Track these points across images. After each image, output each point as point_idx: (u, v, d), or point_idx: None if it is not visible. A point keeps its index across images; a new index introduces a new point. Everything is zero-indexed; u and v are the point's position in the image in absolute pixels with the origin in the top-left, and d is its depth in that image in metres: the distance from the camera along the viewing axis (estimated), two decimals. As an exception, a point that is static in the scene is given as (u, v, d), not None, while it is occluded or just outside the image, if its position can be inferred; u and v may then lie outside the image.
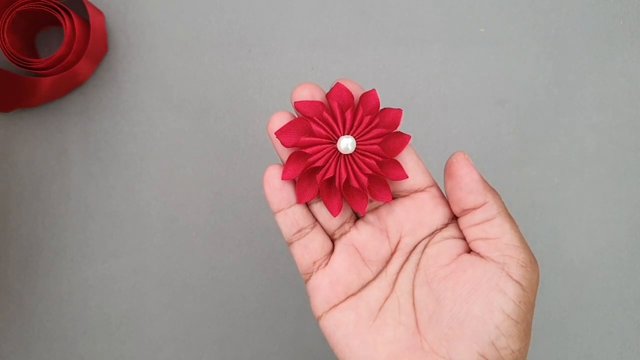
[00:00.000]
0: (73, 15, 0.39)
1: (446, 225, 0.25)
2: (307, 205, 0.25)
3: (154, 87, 0.42)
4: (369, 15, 0.42)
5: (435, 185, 0.25)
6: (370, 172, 0.24)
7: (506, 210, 0.24)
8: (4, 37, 0.39)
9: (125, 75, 0.42)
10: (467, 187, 0.23)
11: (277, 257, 0.41)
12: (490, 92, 0.42)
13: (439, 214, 0.25)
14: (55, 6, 0.39)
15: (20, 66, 0.39)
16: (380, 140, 0.24)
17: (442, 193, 0.25)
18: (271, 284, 0.41)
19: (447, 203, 0.25)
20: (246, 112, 0.42)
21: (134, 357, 0.41)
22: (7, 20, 0.39)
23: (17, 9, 0.38)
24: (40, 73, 0.39)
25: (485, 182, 0.24)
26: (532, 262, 0.23)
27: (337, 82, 0.24)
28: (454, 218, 0.25)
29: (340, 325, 0.24)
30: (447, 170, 0.24)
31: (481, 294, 0.22)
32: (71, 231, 0.41)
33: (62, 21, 0.39)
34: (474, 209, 0.23)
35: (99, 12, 0.41)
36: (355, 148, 0.24)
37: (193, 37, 0.42)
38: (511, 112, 0.42)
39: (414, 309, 0.24)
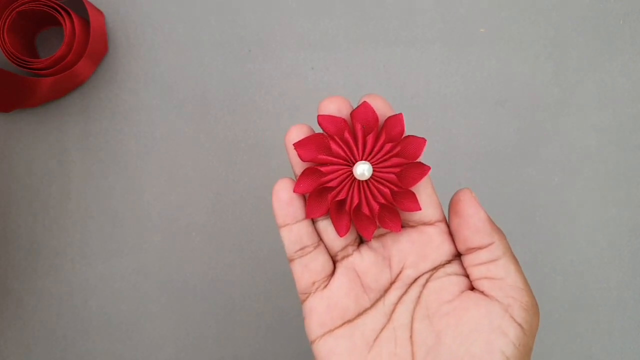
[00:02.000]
0: (73, 15, 0.39)
1: (450, 261, 0.24)
2: (313, 222, 0.25)
3: (154, 87, 0.42)
4: (369, 15, 0.42)
5: (444, 220, 0.25)
6: (383, 201, 0.24)
7: (511, 251, 0.24)
8: (4, 37, 0.39)
9: (125, 75, 0.42)
10: (475, 226, 0.23)
11: (277, 257, 0.41)
12: (490, 92, 0.42)
13: (444, 250, 0.24)
14: (55, 6, 0.39)
15: (20, 66, 0.39)
16: (398, 170, 0.23)
17: (449, 229, 0.25)
18: (271, 283, 0.41)
19: (453, 239, 0.24)
20: (246, 112, 0.42)
21: (134, 357, 0.41)
22: (7, 20, 0.39)
23: (17, 9, 0.38)
24: (40, 73, 0.39)
25: (492, 222, 0.23)
26: (534, 306, 0.23)
27: (364, 101, 0.23)
28: (458, 255, 0.25)
29: (334, 353, 0.24)
30: (453, 208, 0.24)
31: (482, 334, 0.22)
32: (71, 231, 0.41)
33: (62, 21, 0.39)
34: (480, 248, 0.23)
35: (99, 12, 0.41)
36: (372, 175, 0.24)
37: (193, 37, 0.42)
38: (511, 112, 0.42)
39: (411, 343, 0.24)
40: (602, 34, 0.42)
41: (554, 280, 0.41)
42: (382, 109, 0.24)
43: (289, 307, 0.41)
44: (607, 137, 0.42)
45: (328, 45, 0.42)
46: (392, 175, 0.23)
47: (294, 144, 0.23)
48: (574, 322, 0.41)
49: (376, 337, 0.24)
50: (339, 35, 0.42)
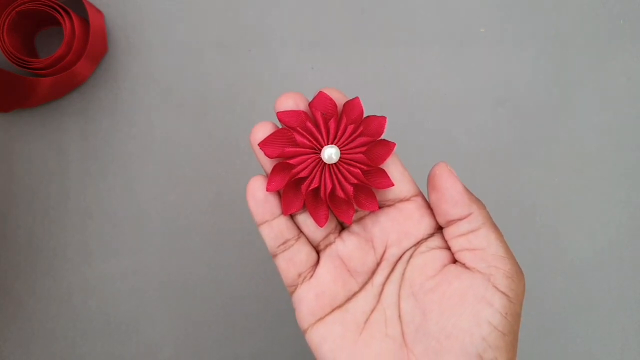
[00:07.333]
0: (73, 15, 0.39)
1: (432, 235, 0.24)
2: (292, 216, 0.25)
3: (154, 87, 0.42)
4: (369, 15, 0.42)
5: (420, 194, 0.25)
6: (355, 181, 0.24)
7: (491, 220, 0.24)
8: (3, 37, 0.39)
9: (125, 75, 0.42)
10: (452, 199, 0.23)
11: (277, 257, 0.41)
12: (490, 92, 0.42)
13: (425, 224, 0.24)
14: (55, 6, 0.39)
15: (20, 66, 0.39)
16: (364, 148, 0.24)
17: (427, 202, 0.25)
18: (271, 284, 0.41)
19: (433, 213, 0.24)
20: (246, 112, 0.41)
21: (134, 357, 0.41)
22: (7, 20, 0.39)
23: (16, 9, 0.38)
24: (40, 73, 0.39)
25: (469, 192, 0.24)
26: (518, 273, 0.23)
27: (320, 91, 0.24)
28: (439, 228, 0.25)
29: (326, 339, 0.24)
30: (430, 183, 0.24)
31: (468, 306, 0.22)
32: (71, 231, 0.41)
33: (61, 21, 0.39)
34: (459, 220, 0.23)
35: (99, 12, 0.41)
36: (340, 157, 0.24)
37: (193, 37, 0.42)
38: (511, 112, 0.42)
39: (400, 321, 0.24)
40: (602, 34, 0.42)
41: (554, 280, 0.41)
42: (338, 99, 0.24)
43: (289, 307, 0.41)
44: (607, 137, 0.42)
45: (328, 45, 0.42)
46: (360, 155, 0.24)
47: (258, 144, 0.24)
48: (574, 322, 0.41)
49: (367, 319, 0.24)
50: (339, 35, 0.42)
